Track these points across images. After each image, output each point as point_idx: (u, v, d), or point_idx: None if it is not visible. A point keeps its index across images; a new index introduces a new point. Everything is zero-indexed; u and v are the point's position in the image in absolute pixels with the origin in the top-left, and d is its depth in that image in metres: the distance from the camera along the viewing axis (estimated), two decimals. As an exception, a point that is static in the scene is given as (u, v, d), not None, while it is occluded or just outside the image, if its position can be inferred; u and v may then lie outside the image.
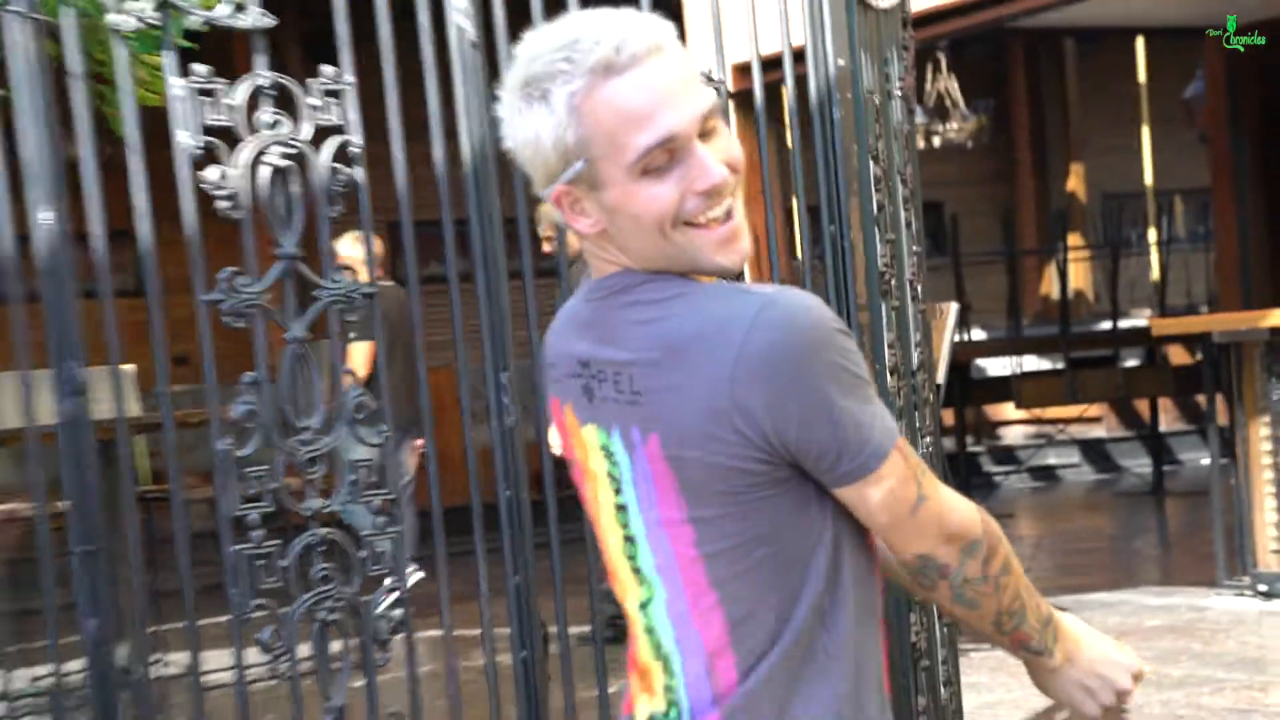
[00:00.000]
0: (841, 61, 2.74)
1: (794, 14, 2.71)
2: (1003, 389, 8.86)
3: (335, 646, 1.94)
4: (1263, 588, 5.36)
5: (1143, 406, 8.87)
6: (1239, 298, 8.08)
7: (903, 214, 2.83)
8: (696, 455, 1.05)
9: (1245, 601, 5.42)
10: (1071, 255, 10.31)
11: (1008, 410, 9.33)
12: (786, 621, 1.07)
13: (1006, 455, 9.62)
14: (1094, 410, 9.43)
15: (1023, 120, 11.14)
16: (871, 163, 2.69)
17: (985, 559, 1.14)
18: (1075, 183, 11.21)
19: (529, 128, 1.10)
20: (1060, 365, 9.18)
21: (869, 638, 1.14)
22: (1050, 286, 10.76)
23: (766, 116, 2.60)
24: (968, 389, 8.25)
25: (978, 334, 9.89)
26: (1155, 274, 10.61)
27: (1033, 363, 9.67)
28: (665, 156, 1.08)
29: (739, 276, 1.21)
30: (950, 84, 8.89)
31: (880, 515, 1.09)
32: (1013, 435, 9.90)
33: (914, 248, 2.94)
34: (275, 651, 1.81)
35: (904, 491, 1.08)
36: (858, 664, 1.10)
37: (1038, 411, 9.23)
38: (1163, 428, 8.69)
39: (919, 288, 2.92)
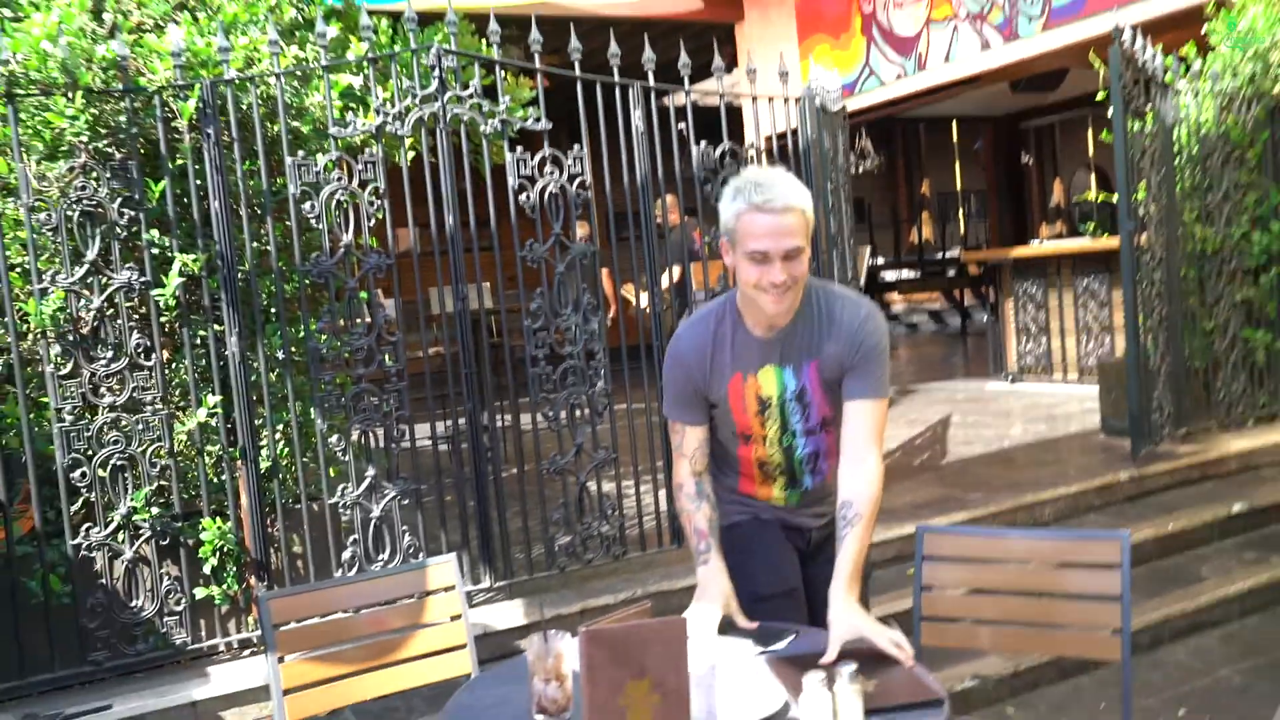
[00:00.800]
0: (813, 134, 4.59)
1: (794, 114, 4.48)
2: (892, 286, 13.80)
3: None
4: (1009, 378, 8.03)
5: (957, 294, 13.23)
6: (998, 241, 14.28)
7: (844, 206, 4.91)
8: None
9: (1002, 384, 8.03)
10: (924, 221, 15.44)
11: (895, 296, 14.30)
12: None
13: (893, 318, 14.23)
14: (935, 296, 14.17)
15: (900, 158, 15.55)
16: (829, 183, 4.67)
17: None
18: (926, 187, 15.65)
19: (726, 205, 2.14)
20: (919, 274, 14.21)
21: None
22: (915, 237, 15.60)
23: (783, 159, 4.36)
24: (875, 287, 12.88)
25: (880, 260, 14.59)
26: (962, 231, 15.39)
27: (906, 274, 14.55)
28: (761, 257, 2.08)
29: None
30: (866, 142, 13.23)
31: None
32: (897, 308, 14.57)
33: (846, 222, 4.97)
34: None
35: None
36: None
37: (909, 296, 14.26)
38: (966, 303, 13.09)
39: (850, 240, 5.04)
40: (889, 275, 14.27)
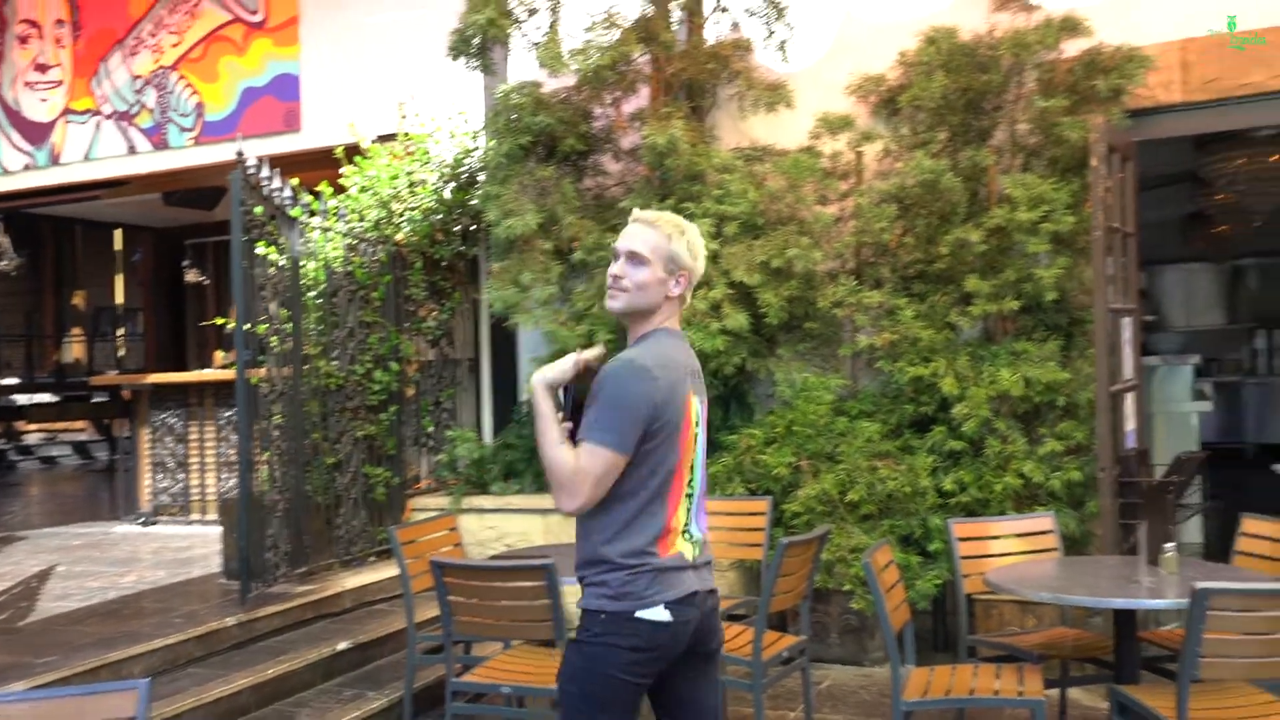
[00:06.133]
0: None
1: None
2: (23, 411, 13.14)
3: None
4: (142, 520, 7.92)
5: (108, 423, 12.94)
6: (154, 365, 14.10)
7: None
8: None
9: (133, 526, 7.87)
10: (74, 337, 15.07)
11: (27, 424, 13.41)
12: None
13: (25, 450, 13.59)
14: (81, 423, 13.59)
15: (49, 258, 15.03)
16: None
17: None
18: (81, 299, 15.02)
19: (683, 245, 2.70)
20: (60, 399, 13.51)
21: None
22: (63, 355, 15.24)
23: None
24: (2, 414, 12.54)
25: (9, 380, 13.77)
26: (121, 351, 14.59)
27: (45, 397, 13.61)
28: (614, 254, 2.70)
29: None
30: (3, 238, 12.06)
31: None
32: (31, 438, 13.84)
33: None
34: None
35: None
36: None
37: (47, 425, 13.54)
38: (119, 434, 11.82)
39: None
40: (21, 399, 13.51)
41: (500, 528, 6.40)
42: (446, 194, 7.05)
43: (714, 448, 6.18)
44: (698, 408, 2.72)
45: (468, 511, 6.40)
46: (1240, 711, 3.47)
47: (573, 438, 2.59)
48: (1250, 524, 4.40)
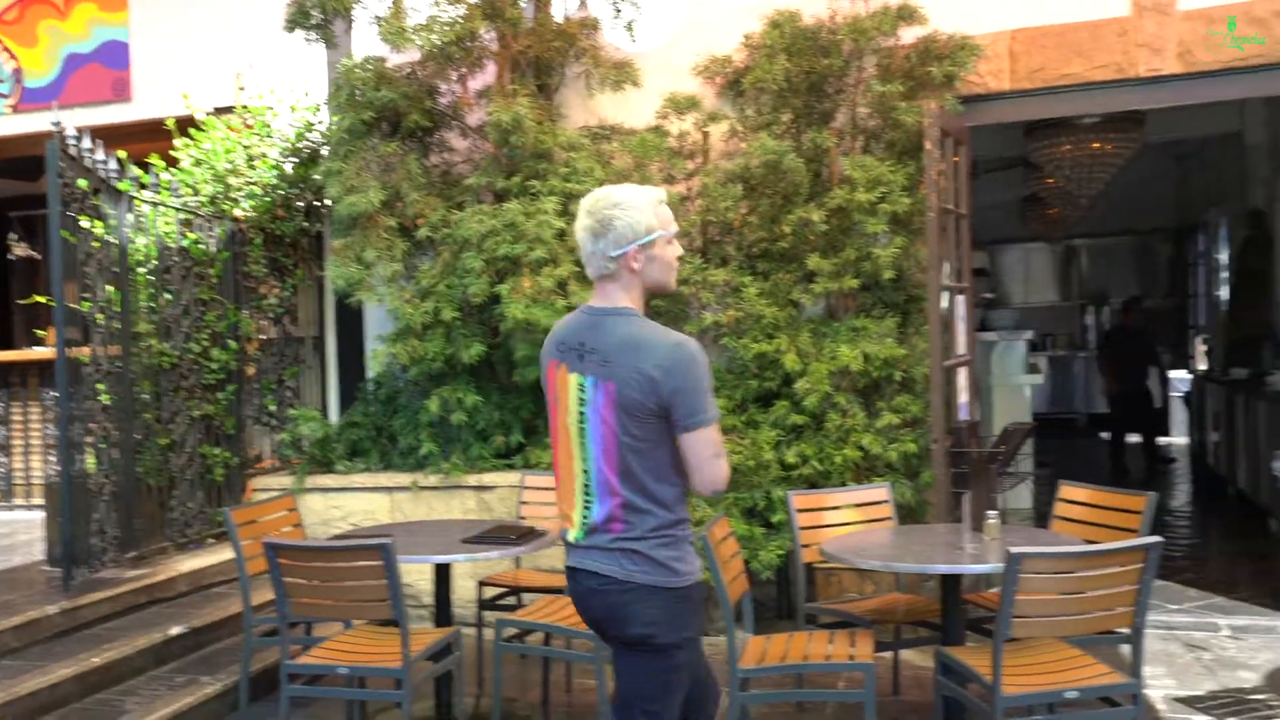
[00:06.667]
0: None
1: None
2: None
3: None
4: None
5: None
6: None
7: None
8: (633, 397, 2.62)
9: None
10: None
11: None
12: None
13: None
14: None
15: None
16: None
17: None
18: None
19: (634, 210, 2.71)
20: None
21: None
22: None
23: None
24: None
25: None
26: None
27: None
28: (675, 237, 2.86)
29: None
30: None
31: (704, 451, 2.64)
32: None
33: None
34: None
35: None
36: None
37: None
38: None
39: None
40: None
41: (346, 507, 6.31)
42: (288, 169, 6.88)
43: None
44: (575, 388, 2.74)
45: (311, 491, 6.30)
46: (1051, 666, 3.68)
47: None
48: (1067, 490, 4.65)
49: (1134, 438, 10.88)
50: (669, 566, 2.73)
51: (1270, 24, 5.61)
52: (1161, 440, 11.49)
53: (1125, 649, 3.59)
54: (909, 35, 6.02)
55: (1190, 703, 4.67)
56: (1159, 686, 4.85)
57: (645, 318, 2.79)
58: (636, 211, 2.71)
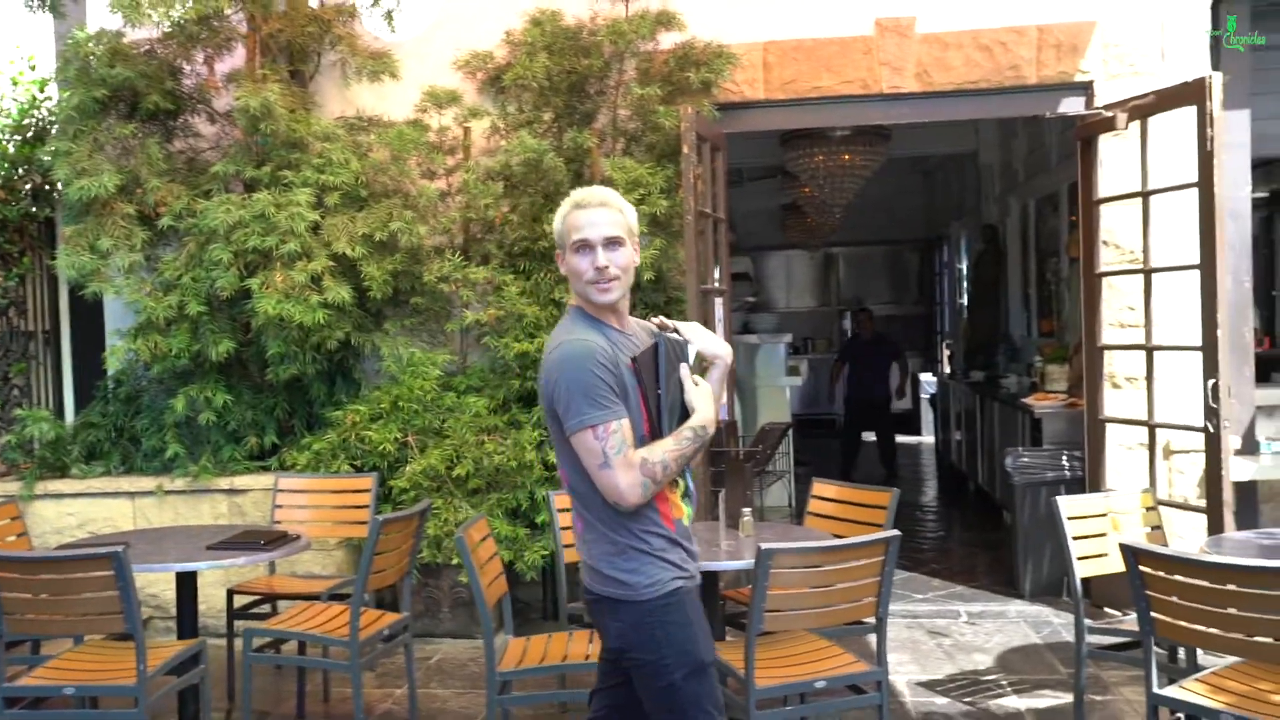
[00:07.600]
0: None
1: None
2: None
3: None
4: None
5: None
6: None
7: None
8: (546, 405, 2.61)
9: None
10: None
11: None
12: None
13: None
14: None
15: None
16: None
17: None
18: None
19: (556, 220, 2.64)
20: None
21: None
22: None
23: None
24: None
25: None
26: None
27: None
28: (583, 246, 2.54)
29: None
30: None
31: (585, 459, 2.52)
32: None
33: None
34: None
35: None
36: None
37: None
38: None
39: None
40: None
41: (83, 514, 5.93)
42: (10, 148, 6.38)
43: (320, 424, 6.04)
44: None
45: (42, 498, 5.90)
46: (802, 658, 3.84)
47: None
48: (819, 487, 4.87)
49: (871, 436, 11.27)
50: (619, 580, 2.65)
51: (994, 51, 6.05)
52: (900, 440, 12.09)
53: (873, 638, 3.78)
54: (668, 40, 6.14)
55: (931, 686, 4.99)
56: (903, 672, 5.15)
57: (578, 316, 2.68)
58: (558, 217, 2.67)
